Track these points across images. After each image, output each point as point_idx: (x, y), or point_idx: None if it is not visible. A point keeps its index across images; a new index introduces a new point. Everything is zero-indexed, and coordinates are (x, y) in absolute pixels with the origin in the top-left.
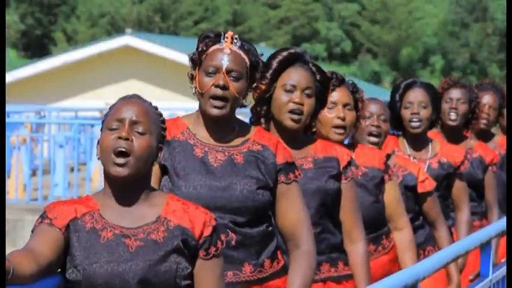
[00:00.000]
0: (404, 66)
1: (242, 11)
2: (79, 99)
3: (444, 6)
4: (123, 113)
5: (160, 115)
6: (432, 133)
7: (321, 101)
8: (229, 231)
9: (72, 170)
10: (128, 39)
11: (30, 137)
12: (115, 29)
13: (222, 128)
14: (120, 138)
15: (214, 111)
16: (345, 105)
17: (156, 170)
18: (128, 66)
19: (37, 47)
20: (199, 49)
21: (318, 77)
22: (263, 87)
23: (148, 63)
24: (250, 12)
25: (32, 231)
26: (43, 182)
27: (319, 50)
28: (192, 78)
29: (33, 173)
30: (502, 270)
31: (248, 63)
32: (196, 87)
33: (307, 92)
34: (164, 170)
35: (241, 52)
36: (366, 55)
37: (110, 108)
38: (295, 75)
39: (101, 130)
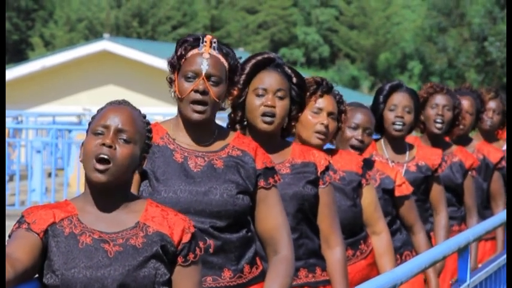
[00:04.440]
0: (382, 71)
1: (220, 16)
2: (57, 105)
3: (422, 11)
4: (109, 120)
5: (148, 123)
6: (411, 138)
7: (299, 104)
8: (207, 239)
9: (49, 175)
10: (105, 44)
11: (7, 142)
12: (93, 33)
13: (202, 132)
14: (103, 144)
15: (195, 116)
16: (329, 114)
17: (135, 174)
18: (106, 71)
19: (14, 52)
20: (178, 53)
21: (294, 80)
22: (236, 92)
23: (126, 69)
24: (228, 17)
25: (9, 235)
26: (20, 187)
27: (297, 55)
28: (170, 82)
29: (11, 179)
30: (480, 275)
31: (227, 67)
32: (175, 92)
33: (279, 94)
34: (143, 175)
35: (220, 56)
36: (343, 60)
37: (98, 111)
38: (266, 79)
39: (86, 132)
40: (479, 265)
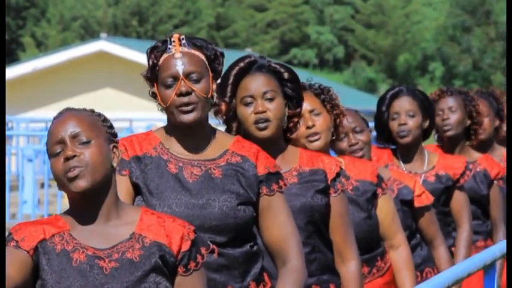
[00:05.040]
0: (402, 73)
1: (226, 14)
2: (50, 110)
3: (444, 9)
4: (59, 133)
5: (99, 115)
6: (431, 147)
7: (296, 98)
8: (211, 244)
9: (42, 186)
10: (102, 45)
11: None
12: (89, 33)
13: (197, 138)
14: (67, 159)
15: (186, 118)
16: (310, 112)
17: (129, 189)
18: (103, 73)
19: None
20: (151, 64)
21: (285, 75)
22: (224, 108)
23: (125, 71)
24: (235, 16)
25: None
26: (10, 199)
27: (309, 56)
28: (154, 96)
29: None
30: None
31: (204, 59)
32: (160, 104)
33: (267, 96)
34: (137, 190)
35: (193, 51)
36: (360, 62)
37: (48, 133)
38: (250, 85)
39: (49, 158)
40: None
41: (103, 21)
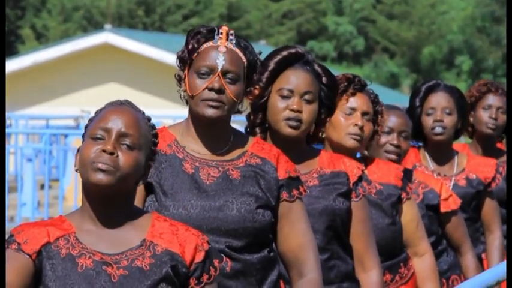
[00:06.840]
0: (426, 67)
1: (239, 4)
2: (50, 106)
3: None
4: (110, 122)
5: (153, 127)
6: (459, 145)
7: (328, 107)
8: (224, 256)
9: (42, 187)
10: (106, 36)
11: None
12: (92, 24)
13: (216, 138)
14: (104, 151)
15: (210, 112)
16: (363, 114)
17: (140, 188)
18: (107, 67)
19: None
20: (190, 47)
21: (323, 79)
22: (257, 92)
23: (131, 64)
24: (248, 6)
25: None
26: (9, 201)
27: (327, 48)
28: (179, 80)
29: None
30: None
31: (245, 62)
32: (185, 91)
33: (306, 97)
34: (149, 189)
35: (237, 50)
36: (381, 55)
37: (96, 113)
38: (292, 78)
39: (83, 137)
40: None
41: (107, 11)
